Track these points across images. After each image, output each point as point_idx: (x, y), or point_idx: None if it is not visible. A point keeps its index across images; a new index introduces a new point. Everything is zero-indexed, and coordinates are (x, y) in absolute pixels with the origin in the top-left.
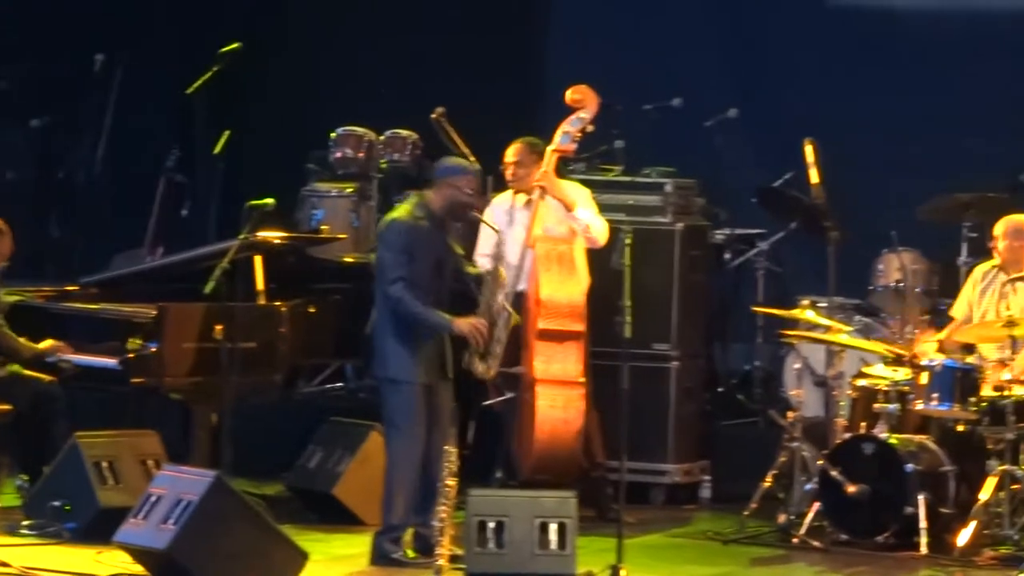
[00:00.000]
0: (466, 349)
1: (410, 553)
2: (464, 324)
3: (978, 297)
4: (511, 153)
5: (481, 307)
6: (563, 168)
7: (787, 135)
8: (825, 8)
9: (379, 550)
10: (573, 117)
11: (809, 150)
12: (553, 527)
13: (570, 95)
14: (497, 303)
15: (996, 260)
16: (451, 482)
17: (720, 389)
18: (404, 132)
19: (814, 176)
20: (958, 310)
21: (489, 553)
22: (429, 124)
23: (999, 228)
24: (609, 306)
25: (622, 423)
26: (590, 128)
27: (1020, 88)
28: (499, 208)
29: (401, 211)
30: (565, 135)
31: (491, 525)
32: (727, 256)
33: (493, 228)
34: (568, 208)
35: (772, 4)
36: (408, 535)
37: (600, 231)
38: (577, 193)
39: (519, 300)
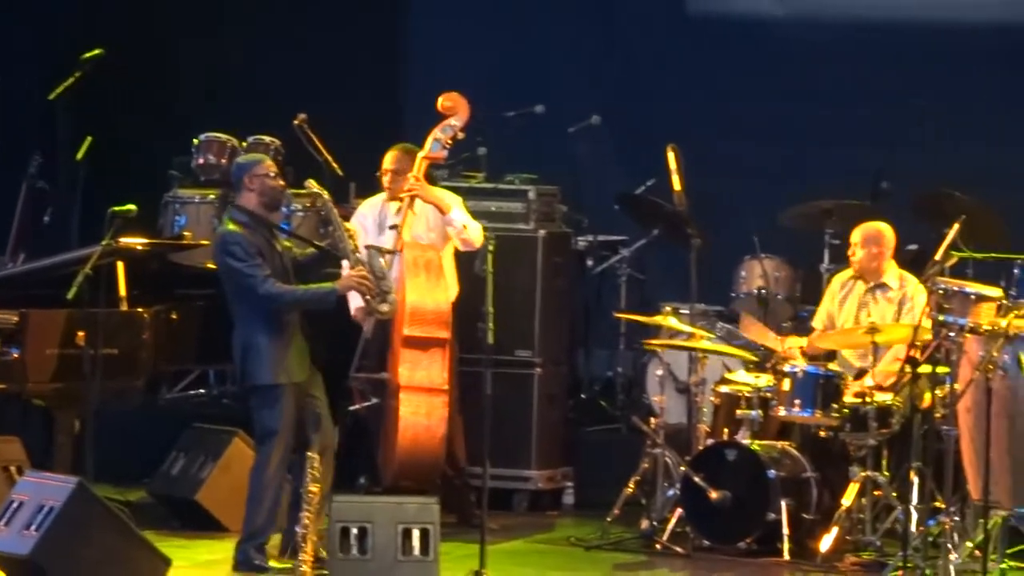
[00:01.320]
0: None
1: (273, 562)
2: (345, 280)
3: (838, 306)
4: (389, 160)
5: (350, 261)
6: (431, 175)
7: (650, 142)
8: (688, 15)
9: (242, 557)
10: (444, 124)
11: (671, 156)
12: (416, 533)
13: (442, 102)
14: (354, 248)
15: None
16: (314, 488)
17: (583, 395)
18: (267, 138)
19: (676, 183)
20: (819, 320)
21: (352, 559)
22: (292, 131)
23: (856, 236)
24: (473, 313)
25: (485, 430)
26: (461, 135)
27: (883, 95)
28: (368, 214)
29: (226, 226)
30: (436, 142)
31: (354, 531)
32: (590, 263)
33: (320, 194)
34: (443, 212)
35: (635, 11)
36: (276, 541)
37: (476, 232)
38: (452, 198)
39: None
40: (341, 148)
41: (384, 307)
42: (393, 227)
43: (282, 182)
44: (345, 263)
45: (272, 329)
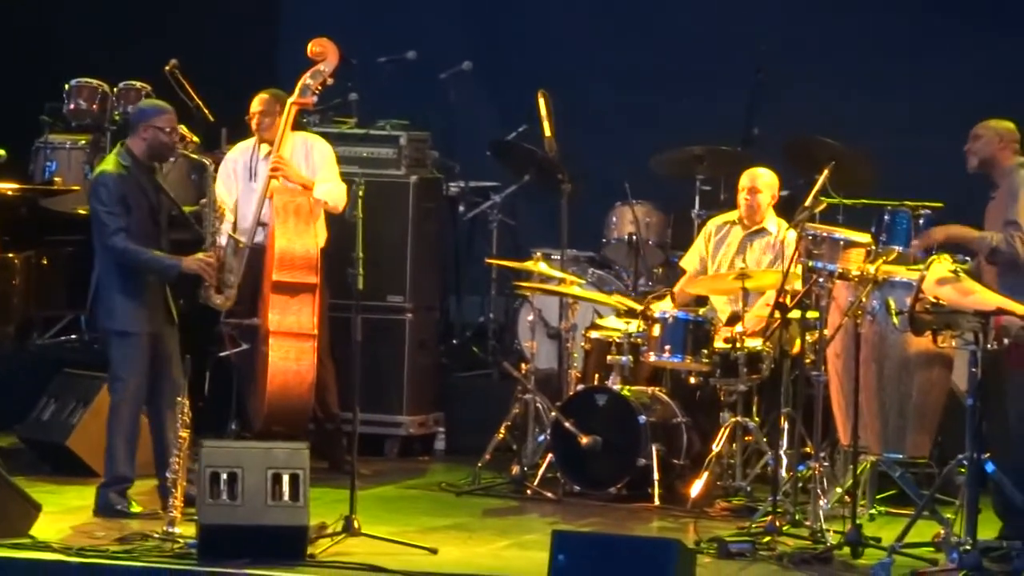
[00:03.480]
0: (199, 287)
1: (135, 507)
2: (192, 261)
3: (713, 250)
4: (256, 103)
5: (206, 242)
6: (300, 120)
7: (521, 88)
8: None
9: (103, 502)
10: (313, 70)
11: (541, 103)
12: (285, 478)
13: (311, 48)
14: (220, 233)
15: (733, 214)
16: (184, 433)
17: (455, 341)
18: (138, 84)
19: (547, 129)
20: (688, 262)
21: (222, 504)
22: (164, 76)
23: (744, 180)
24: (344, 258)
25: (355, 375)
26: (330, 81)
27: (756, 43)
28: (239, 159)
29: (107, 163)
30: (305, 88)
31: (224, 476)
32: (461, 209)
33: (203, 162)
34: (307, 188)
35: None
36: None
37: (339, 199)
38: (320, 160)
39: (257, 252)
40: (215, 94)
41: (217, 299)
42: (262, 224)
43: (176, 139)
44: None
45: (125, 275)
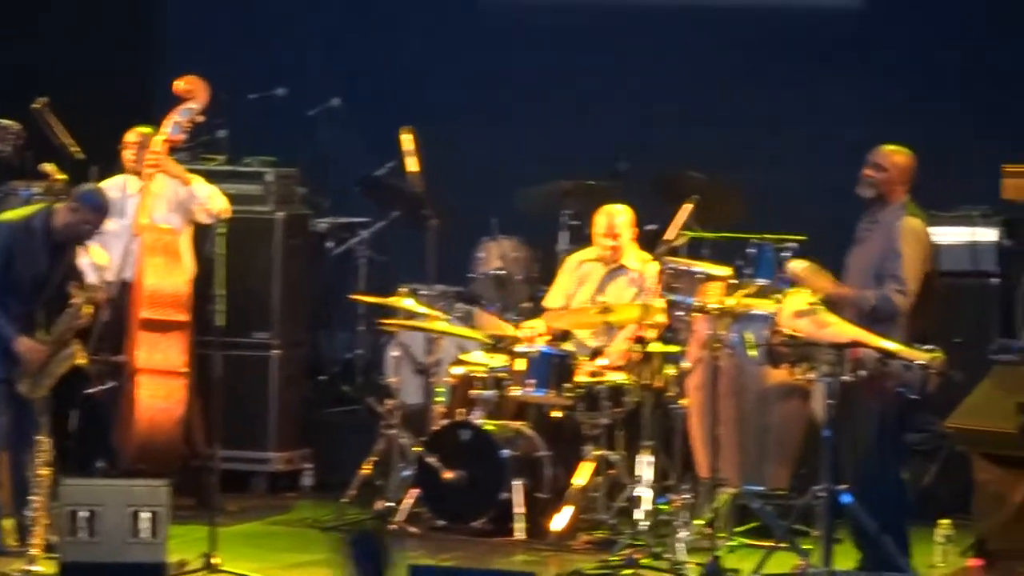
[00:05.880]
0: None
1: (11, 542)
2: (24, 346)
3: (576, 286)
4: (132, 135)
5: (54, 332)
6: (171, 158)
7: (390, 124)
8: None
9: None
10: (183, 107)
11: (407, 139)
12: (145, 516)
13: (180, 86)
14: (68, 336)
15: (595, 250)
16: (44, 472)
17: (322, 377)
18: (6, 122)
19: (412, 165)
20: (552, 299)
21: (81, 542)
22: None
23: (598, 223)
24: (208, 295)
25: (215, 412)
26: (199, 118)
27: (622, 76)
28: (110, 195)
29: (17, 213)
30: (175, 125)
31: (83, 514)
32: (330, 245)
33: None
34: (185, 183)
35: None
36: (10, 525)
37: (222, 203)
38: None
39: (125, 289)
40: (88, 132)
41: (23, 385)
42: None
43: (89, 237)
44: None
45: None
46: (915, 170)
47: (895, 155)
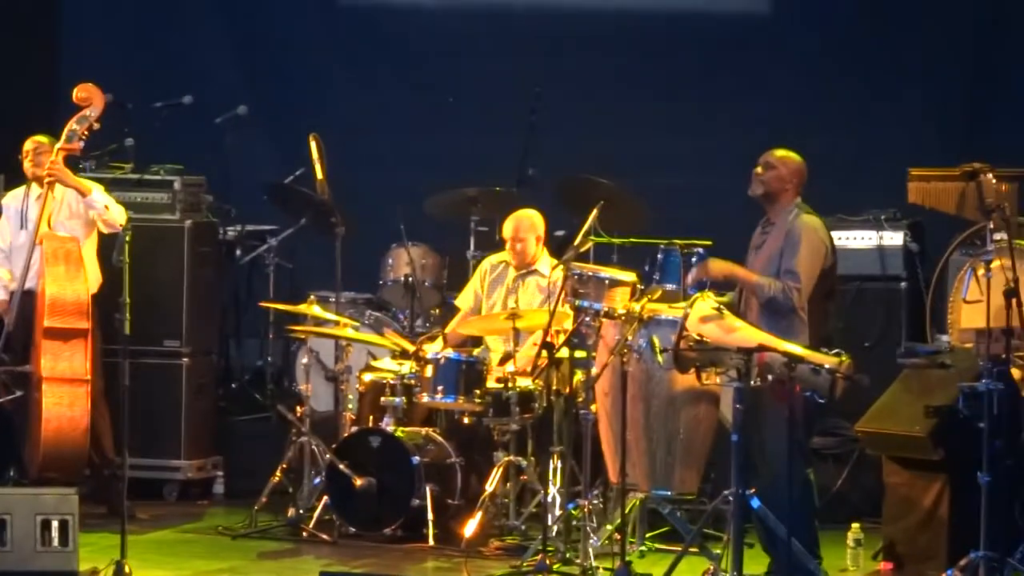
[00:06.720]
0: None
1: None
2: None
3: (488, 289)
4: (29, 142)
5: None
6: (72, 166)
7: (297, 131)
8: (335, 5)
9: None
10: (79, 115)
11: (313, 146)
12: (55, 524)
13: (76, 93)
14: None
15: (506, 255)
16: None
17: (233, 385)
18: None
19: (319, 172)
20: (463, 300)
21: None
22: None
23: (507, 228)
24: (115, 303)
25: (123, 420)
26: (96, 126)
27: (529, 83)
28: (12, 204)
29: None
30: (72, 133)
31: None
32: (238, 252)
33: None
34: (83, 194)
35: (284, 1)
36: None
37: (119, 213)
38: (92, 184)
39: (28, 298)
40: None
41: None
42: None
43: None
44: None
45: None
46: (805, 174)
47: (785, 156)
